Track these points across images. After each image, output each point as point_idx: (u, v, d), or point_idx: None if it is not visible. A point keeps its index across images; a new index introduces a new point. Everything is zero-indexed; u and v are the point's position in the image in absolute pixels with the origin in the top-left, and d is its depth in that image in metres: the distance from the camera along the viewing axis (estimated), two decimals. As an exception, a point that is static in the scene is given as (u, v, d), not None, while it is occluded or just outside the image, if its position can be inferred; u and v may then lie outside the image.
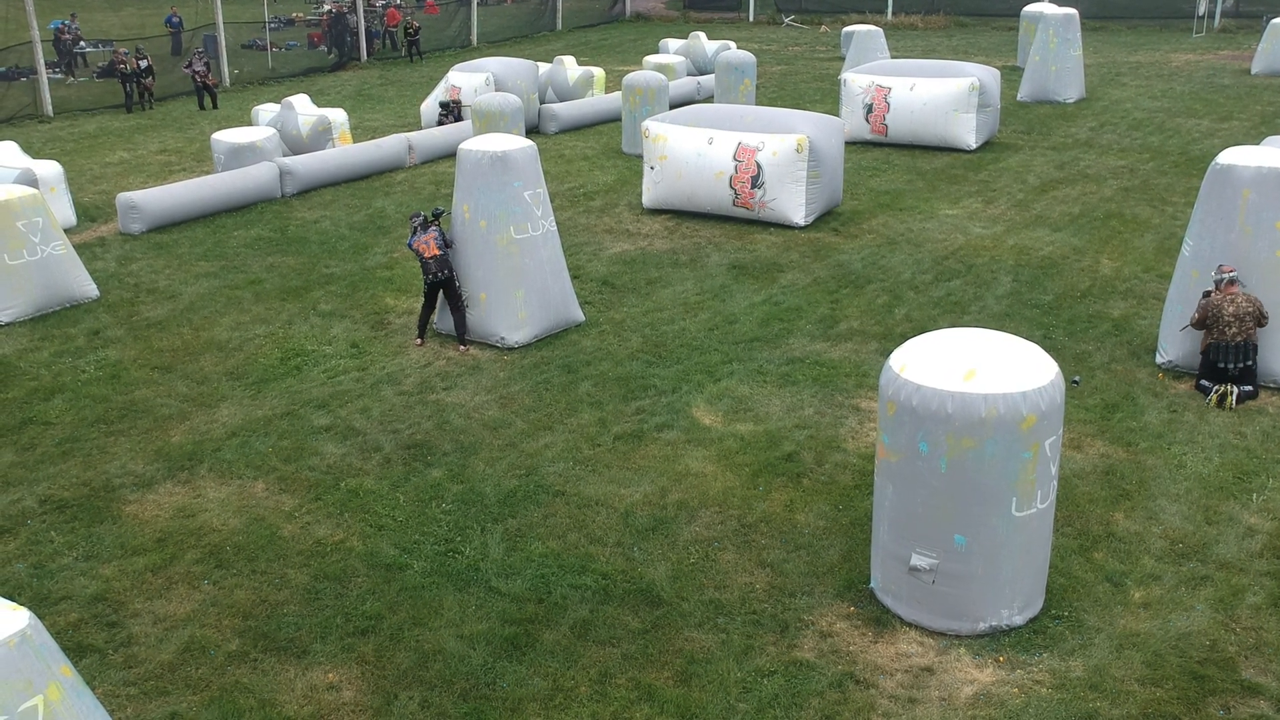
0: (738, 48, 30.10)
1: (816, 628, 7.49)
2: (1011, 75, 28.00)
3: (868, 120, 21.46)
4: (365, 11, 36.53)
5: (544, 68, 26.72)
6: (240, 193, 18.15)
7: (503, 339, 12.19)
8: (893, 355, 7.39)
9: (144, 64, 28.17)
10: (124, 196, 17.13)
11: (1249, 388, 10.50)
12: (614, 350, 12.15)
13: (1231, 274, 10.45)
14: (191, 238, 16.73)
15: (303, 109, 21.49)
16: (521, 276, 12.08)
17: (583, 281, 14.14)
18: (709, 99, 25.99)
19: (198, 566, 8.34)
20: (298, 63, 35.24)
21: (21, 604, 5.30)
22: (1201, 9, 37.62)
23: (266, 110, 22.56)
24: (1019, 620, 7.38)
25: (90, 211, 18.29)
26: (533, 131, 23.55)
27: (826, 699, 6.83)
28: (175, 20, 35.20)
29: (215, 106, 28.14)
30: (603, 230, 16.73)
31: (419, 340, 12.45)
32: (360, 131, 23.90)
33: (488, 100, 20.31)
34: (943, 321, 12.64)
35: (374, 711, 6.83)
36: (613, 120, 24.68)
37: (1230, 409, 10.36)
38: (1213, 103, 25.34)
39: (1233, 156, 10.67)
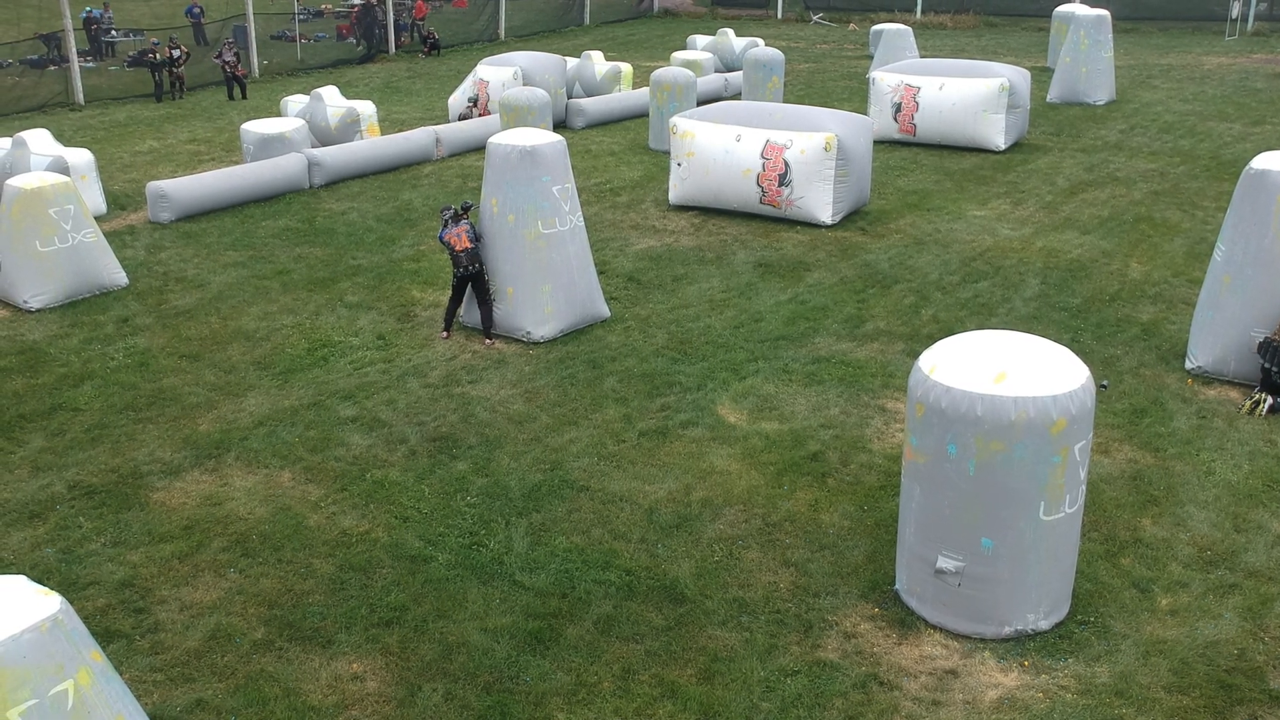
0: (766, 45, 30.00)
1: (840, 628, 7.47)
2: (1042, 76, 27.81)
3: (896, 119, 21.36)
4: (394, 4, 36.63)
5: (572, 63, 26.69)
6: (269, 183, 18.25)
7: (528, 333, 12.20)
8: (922, 356, 7.35)
9: (176, 53, 28.35)
10: (154, 185, 17.24)
11: None
12: (639, 346, 12.15)
13: None
14: (220, 227, 16.82)
15: (331, 100, 21.57)
16: (548, 271, 12.09)
17: (609, 277, 14.14)
18: (736, 96, 25.92)
19: (224, 555, 8.40)
20: (326, 54, 35.37)
21: (50, 588, 5.34)
22: (1234, 12, 37.24)
23: (295, 101, 22.64)
24: (1045, 625, 7.35)
25: (120, 200, 18.43)
26: (560, 126, 23.52)
27: (850, 700, 6.81)
28: (195, 11, 35.34)
29: (244, 97, 28.30)
30: (629, 226, 16.72)
31: (445, 333, 12.48)
32: (388, 124, 23.98)
33: (515, 95, 20.31)
34: (970, 323, 12.58)
35: (397, 702, 6.86)
36: (640, 116, 24.65)
37: (1261, 416, 10.28)
38: (1245, 106, 25.10)
39: (1267, 162, 10.57)
